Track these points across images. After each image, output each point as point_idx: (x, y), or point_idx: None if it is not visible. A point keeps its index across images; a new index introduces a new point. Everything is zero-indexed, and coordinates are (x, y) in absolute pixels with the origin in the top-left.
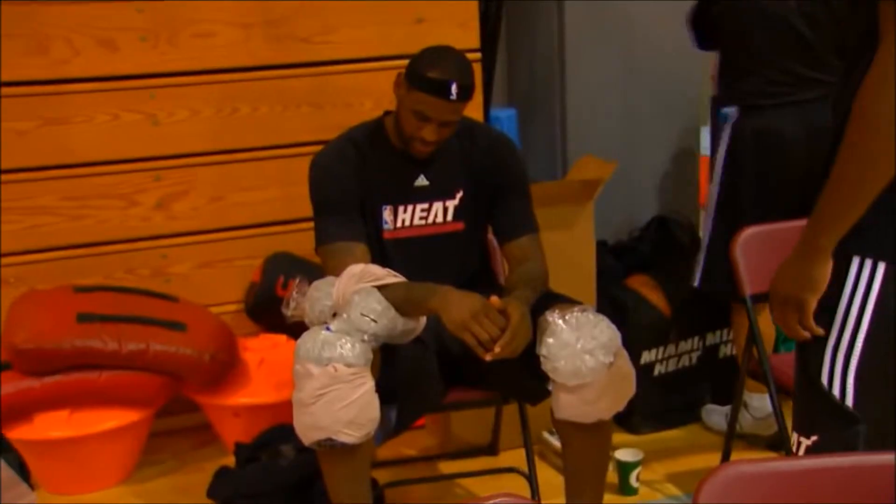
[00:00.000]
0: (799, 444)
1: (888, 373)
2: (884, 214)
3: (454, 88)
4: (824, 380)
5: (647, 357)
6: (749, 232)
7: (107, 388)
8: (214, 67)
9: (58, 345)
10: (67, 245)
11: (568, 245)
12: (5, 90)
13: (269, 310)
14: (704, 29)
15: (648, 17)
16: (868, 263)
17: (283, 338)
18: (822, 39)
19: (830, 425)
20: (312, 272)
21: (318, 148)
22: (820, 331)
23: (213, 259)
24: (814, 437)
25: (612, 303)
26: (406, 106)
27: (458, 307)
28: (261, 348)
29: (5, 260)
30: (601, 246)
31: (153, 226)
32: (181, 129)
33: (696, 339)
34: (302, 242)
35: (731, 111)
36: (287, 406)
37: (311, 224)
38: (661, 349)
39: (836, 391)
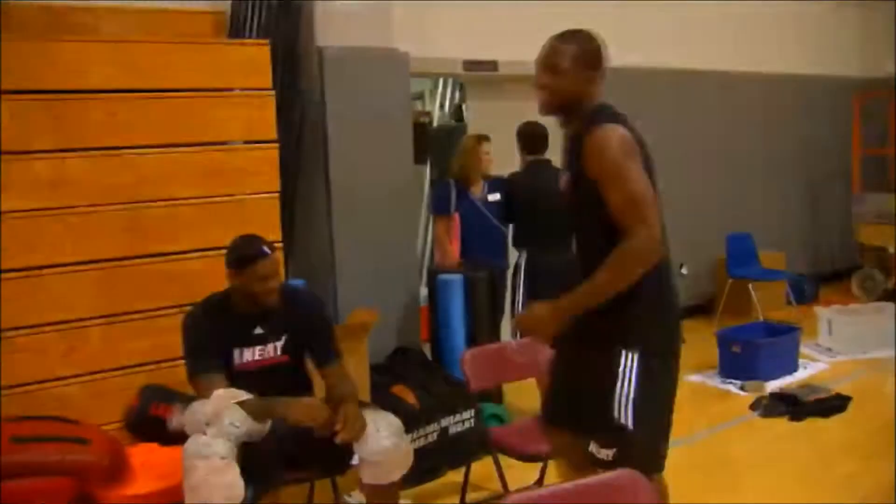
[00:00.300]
0: (598, 453)
1: (653, 408)
2: (633, 323)
3: (265, 248)
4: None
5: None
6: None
7: (31, 491)
8: (105, 257)
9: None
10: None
11: (352, 367)
12: None
13: (144, 425)
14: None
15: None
16: (629, 353)
17: (155, 445)
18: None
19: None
20: (175, 397)
21: (178, 311)
22: None
23: (102, 391)
24: (613, 450)
25: (382, 404)
26: (247, 282)
27: (297, 407)
28: (141, 453)
29: None
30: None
31: (59, 370)
32: (81, 301)
33: (435, 423)
34: (168, 376)
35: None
36: (168, 493)
37: (174, 363)
38: (415, 432)
39: (623, 421)
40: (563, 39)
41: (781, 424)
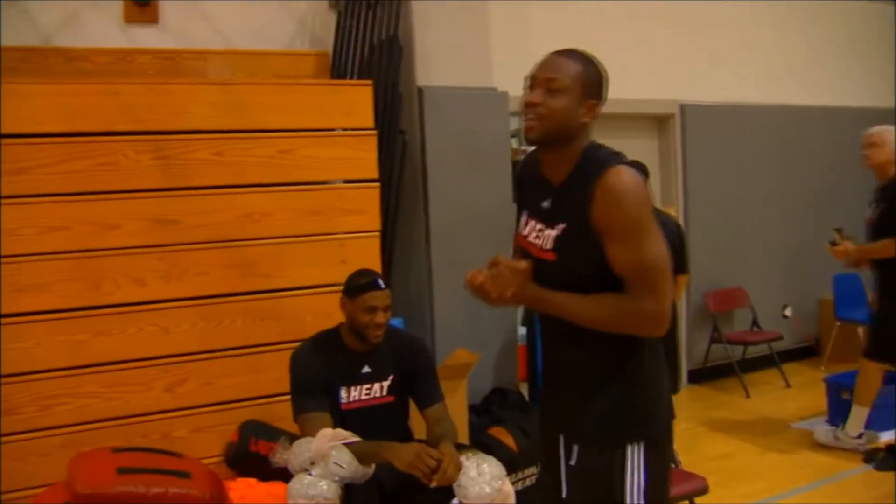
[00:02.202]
0: None
1: (661, 494)
2: (637, 412)
3: (380, 281)
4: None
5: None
6: None
7: None
8: (207, 294)
9: (104, 490)
10: (105, 418)
11: (451, 407)
12: (67, 314)
13: (243, 461)
14: None
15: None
16: (635, 446)
17: (254, 480)
18: None
19: None
20: (274, 433)
21: (277, 349)
22: None
23: (203, 426)
24: None
25: (480, 445)
26: (356, 310)
27: (405, 454)
28: (239, 488)
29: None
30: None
31: (162, 403)
32: (183, 336)
33: (533, 467)
34: (266, 412)
35: None
36: None
37: (272, 399)
38: (513, 475)
39: None
40: (566, 55)
41: None
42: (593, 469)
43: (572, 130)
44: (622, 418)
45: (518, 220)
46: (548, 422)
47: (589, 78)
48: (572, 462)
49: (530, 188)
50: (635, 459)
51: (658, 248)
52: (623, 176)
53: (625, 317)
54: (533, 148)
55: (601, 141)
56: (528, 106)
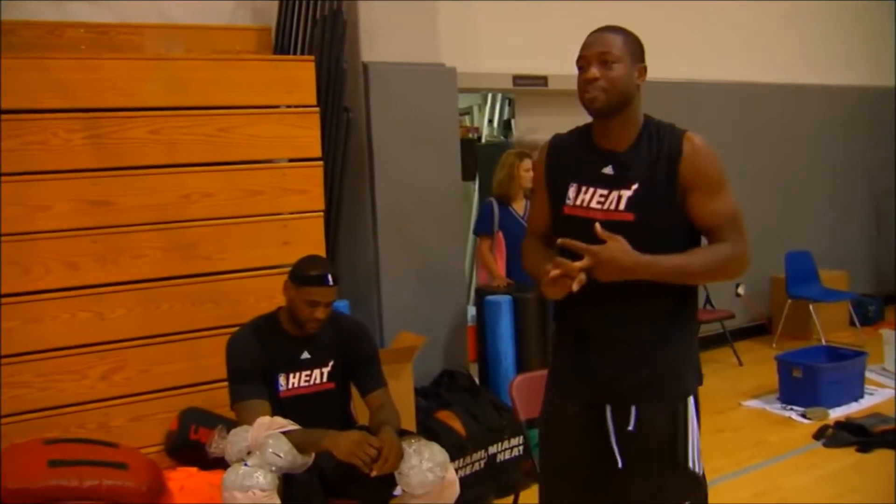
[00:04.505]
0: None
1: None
2: (691, 367)
3: (330, 277)
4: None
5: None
6: None
7: None
8: (145, 278)
9: (35, 484)
10: (38, 409)
11: (396, 391)
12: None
13: (184, 450)
14: None
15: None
16: (689, 399)
17: (194, 469)
18: None
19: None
20: (215, 421)
21: (218, 333)
22: None
23: (142, 414)
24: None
25: (427, 430)
26: (298, 300)
27: (345, 442)
28: (179, 478)
29: None
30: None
31: (98, 392)
32: (120, 322)
33: (482, 451)
34: (207, 399)
35: None
36: None
37: (213, 386)
38: (460, 460)
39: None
40: (609, 30)
41: (849, 455)
42: (656, 430)
43: (631, 95)
44: (681, 371)
45: (558, 197)
46: (583, 394)
47: (634, 44)
48: (630, 427)
49: (576, 161)
50: (690, 413)
51: (735, 200)
52: (702, 138)
53: (729, 263)
54: (553, 135)
55: (541, 117)
56: (589, 82)
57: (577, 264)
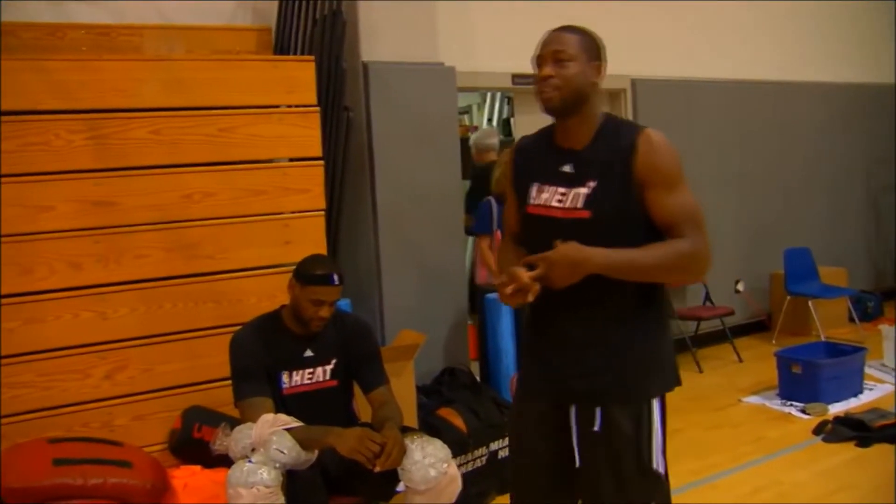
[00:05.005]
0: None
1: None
2: (661, 365)
3: (335, 277)
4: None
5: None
6: None
7: None
8: (147, 277)
9: (39, 482)
10: (41, 408)
11: (398, 389)
12: (4, 300)
13: (187, 448)
14: None
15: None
16: (654, 401)
17: (198, 468)
18: None
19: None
20: (218, 419)
21: (220, 332)
22: None
23: (145, 413)
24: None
25: (429, 427)
26: (302, 298)
27: (348, 439)
28: (183, 476)
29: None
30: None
31: (101, 391)
32: (122, 322)
33: (484, 448)
34: (209, 397)
35: None
36: None
37: (215, 384)
38: (462, 456)
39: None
40: (564, 30)
41: (848, 450)
42: (620, 431)
43: (586, 92)
44: (648, 372)
45: (522, 196)
46: (549, 394)
47: (589, 43)
48: (595, 427)
49: (538, 161)
50: (654, 415)
51: (693, 195)
52: (660, 134)
53: (686, 258)
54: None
55: (540, 116)
56: (543, 80)
57: (530, 274)
